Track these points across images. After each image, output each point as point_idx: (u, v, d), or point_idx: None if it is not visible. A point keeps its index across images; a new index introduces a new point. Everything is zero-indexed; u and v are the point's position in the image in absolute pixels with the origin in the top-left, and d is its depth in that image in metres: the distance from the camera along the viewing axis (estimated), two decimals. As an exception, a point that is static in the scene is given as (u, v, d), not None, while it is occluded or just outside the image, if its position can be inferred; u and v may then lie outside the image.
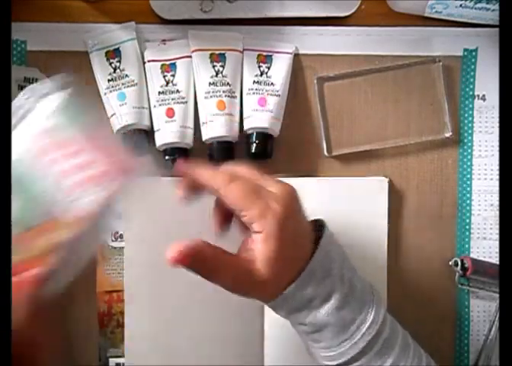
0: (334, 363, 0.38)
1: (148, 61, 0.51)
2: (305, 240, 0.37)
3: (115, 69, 0.50)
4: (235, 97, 0.50)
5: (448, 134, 0.52)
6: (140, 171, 0.35)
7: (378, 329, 0.37)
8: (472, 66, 0.53)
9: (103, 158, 0.33)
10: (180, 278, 0.48)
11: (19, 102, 0.33)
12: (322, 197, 0.50)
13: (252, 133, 0.50)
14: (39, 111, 0.33)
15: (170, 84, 0.50)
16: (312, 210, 0.48)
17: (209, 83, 0.50)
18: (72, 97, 0.33)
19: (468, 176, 0.53)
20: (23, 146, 0.32)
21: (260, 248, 0.35)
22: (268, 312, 0.47)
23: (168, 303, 0.47)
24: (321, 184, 0.51)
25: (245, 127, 0.50)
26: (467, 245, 0.53)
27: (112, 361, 0.49)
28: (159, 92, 0.50)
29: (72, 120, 0.33)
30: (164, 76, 0.50)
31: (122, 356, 0.49)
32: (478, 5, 0.48)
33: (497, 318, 0.51)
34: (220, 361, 0.47)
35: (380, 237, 0.50)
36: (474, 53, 0.53)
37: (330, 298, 0.37)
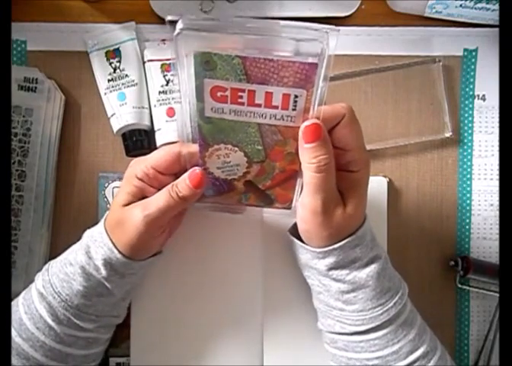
0: (363, 328, 0.40)
1: (148, 61, 0.51)
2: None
3: (115, 69, 0.50)
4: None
5: (448, 134, 0.52)
6: None
7: (405, 301, 0.41)
8: (472, 66, 0.53)
9: None
10: (182, 279, 0.48)
11: None
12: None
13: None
14: None
15: (170, 83, 0.50)
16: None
17: (209, 83, 0.50)
18: None
19: (468, 176, 0.53)
20: None
21: (354, 184, 0.39)
22: (267, 312, 0.48)
23: (169, 303, 0.47)
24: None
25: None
26: (467, 245, 0.53)
27: (112, 360, 0.49)
28: (159, 92, 0.50)
29: None
30: (164, 76, 0.50)
31: (122, 355, 0.49)
32: (478, 5, 0.48)
33: (497, 318, 0.51)
34: (220, 361, 0.47)
35: (380, 237, 0.50)
36: (474, 53, 0.53)
37: (373, 262, 0.40)
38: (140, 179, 0.40)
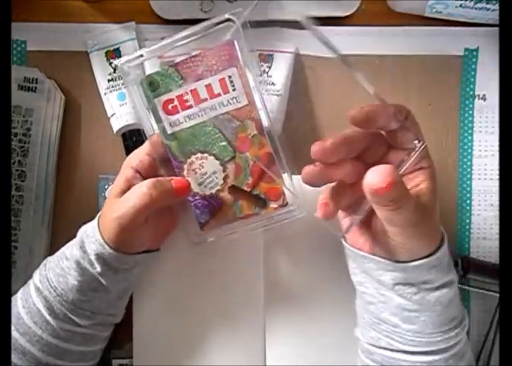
0: (415, 349, 0.37)
1: (149, 61, 0.51)
2: (437, 221, 0.37)
3: (115, 69, 0.50)
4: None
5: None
6: None
7: (464, 333, 0.39)
8: (473, 66, 0.53)
9: None
10: (183, 279, 0.48)
11: None
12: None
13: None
14: None
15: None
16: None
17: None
18: None
19: (468, 176, 0.53)
20: None
21: (425, 183, 0.37)
22: (270, 312, 0.48)
23: (172, 304, 0.47)
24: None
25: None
26: (467, 245, 0.53)
27: (115, 362, 0.49)
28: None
29: None
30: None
31: (125, 357, 0.49)
32: (478, 5, 0.48)
33: (497, 318, 0.51)
34: (223, 361, 0.47)
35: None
36: (474, 53, 0.53)
37: (446, 287, 0.37)
38: (135, 169, 0.40)
